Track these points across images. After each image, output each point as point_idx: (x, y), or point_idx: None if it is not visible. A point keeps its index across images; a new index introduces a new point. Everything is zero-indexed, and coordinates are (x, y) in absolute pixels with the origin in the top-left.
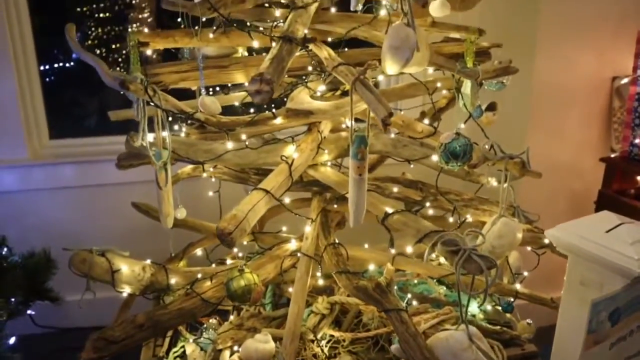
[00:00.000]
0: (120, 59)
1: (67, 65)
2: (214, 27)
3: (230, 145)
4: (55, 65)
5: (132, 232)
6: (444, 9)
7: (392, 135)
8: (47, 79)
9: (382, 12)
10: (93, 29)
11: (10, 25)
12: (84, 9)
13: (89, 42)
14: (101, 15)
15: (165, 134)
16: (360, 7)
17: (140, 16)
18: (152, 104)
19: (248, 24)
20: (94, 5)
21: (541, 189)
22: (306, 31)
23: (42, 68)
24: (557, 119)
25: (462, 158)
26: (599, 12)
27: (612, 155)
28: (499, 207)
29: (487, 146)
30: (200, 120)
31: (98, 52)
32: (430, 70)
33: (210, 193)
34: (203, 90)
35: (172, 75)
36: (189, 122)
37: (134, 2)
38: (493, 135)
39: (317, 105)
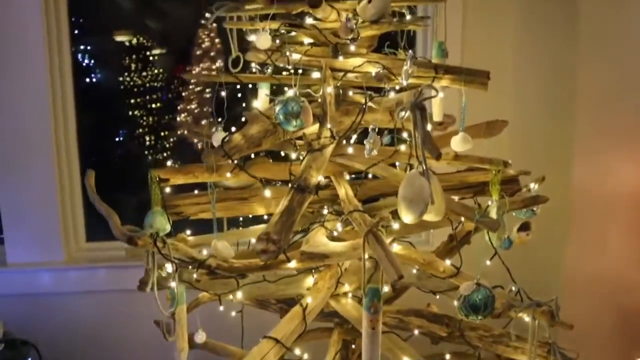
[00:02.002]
0: (167, 145)
1: (109, 163)
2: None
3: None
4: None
5: (160, 341)
6: (465, 144)
7: (414, 271)
8: None
9: (403, 147)
10: (144, 118)
11: (56, 122)
12: (138, 100)
13: (140, 130)
14: (153, 105)
15: (173, 284)
16: (375, 152)
17: (188, 107)
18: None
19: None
20: (147, 97)
21: (585, 305)
22: (321, 178)
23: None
24: (600, 229)
25: (484, 311)
26: (638, 119)
27: None
28: (529, 346)
29: (513, 288)
30: (212, 267)
31: (148, 139)
32: (456, 197)
33: (233, 313)
34: (216, 232)
35: (193, 207)
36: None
37: (183, 94)
38: (530, 249)
39: (333, 247)
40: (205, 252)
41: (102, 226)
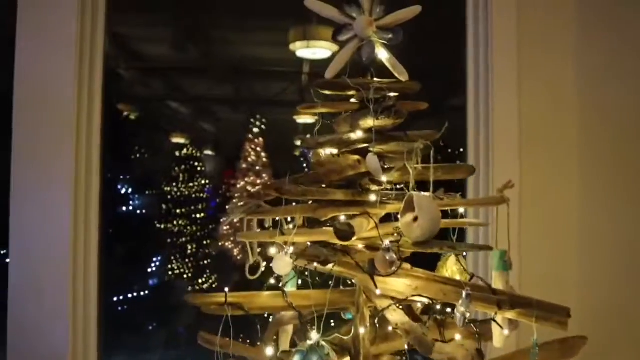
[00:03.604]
0: (207, 253)
1: (133, 296)
2: None
3: None
4: (121, 297)
5: None
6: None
7: None
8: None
9: None
10: (188, 227)
11: (75, 256)
12: (183, 210)
13: (184, 239)
14: (197, 215)
15: None
16: None
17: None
18: None
19: None
20: (192, 207)
21: None
22: None
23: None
24: None
25: None
26: None
27: None
28: None
29: None
30: None
31: (189, 247)
32: None
33: None
34: None
35: None
36: None
37: (227, 208)
38: None
39: None
40: None
41: None
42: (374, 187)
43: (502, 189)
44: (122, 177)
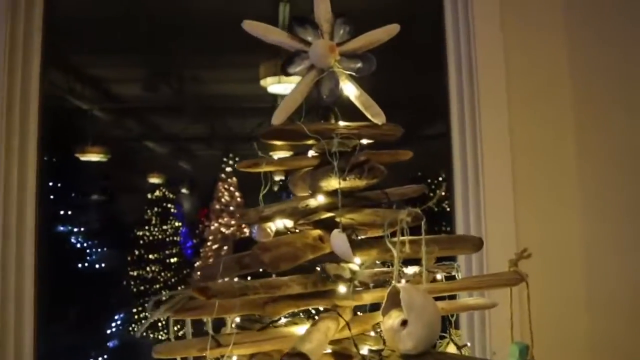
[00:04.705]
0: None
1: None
2: None
3: None
4: None
5: None
6: None
7: None
8: None
9: None
10: (162, 273)
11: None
12: (157, 255)
13: (158, 285)
14: (171, 260)
15: None
16: None
17: (204, 265)
18: None
19: None
20: (167, 252)
21: None
22: None
23: None
24: None
25: None
26: None
27: None
28: None
29: None
30: None
31: (164, 292)
32: None
33: None
34: None
35: None
36: None
37: (200, 251)
38: None
39: None
40: None
41: None
42: (346, 273)
43: (515, 260)
44: (80, 228)
